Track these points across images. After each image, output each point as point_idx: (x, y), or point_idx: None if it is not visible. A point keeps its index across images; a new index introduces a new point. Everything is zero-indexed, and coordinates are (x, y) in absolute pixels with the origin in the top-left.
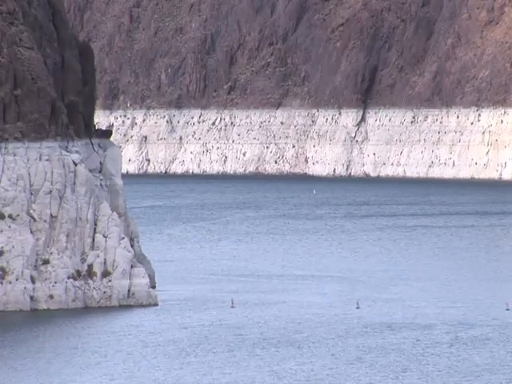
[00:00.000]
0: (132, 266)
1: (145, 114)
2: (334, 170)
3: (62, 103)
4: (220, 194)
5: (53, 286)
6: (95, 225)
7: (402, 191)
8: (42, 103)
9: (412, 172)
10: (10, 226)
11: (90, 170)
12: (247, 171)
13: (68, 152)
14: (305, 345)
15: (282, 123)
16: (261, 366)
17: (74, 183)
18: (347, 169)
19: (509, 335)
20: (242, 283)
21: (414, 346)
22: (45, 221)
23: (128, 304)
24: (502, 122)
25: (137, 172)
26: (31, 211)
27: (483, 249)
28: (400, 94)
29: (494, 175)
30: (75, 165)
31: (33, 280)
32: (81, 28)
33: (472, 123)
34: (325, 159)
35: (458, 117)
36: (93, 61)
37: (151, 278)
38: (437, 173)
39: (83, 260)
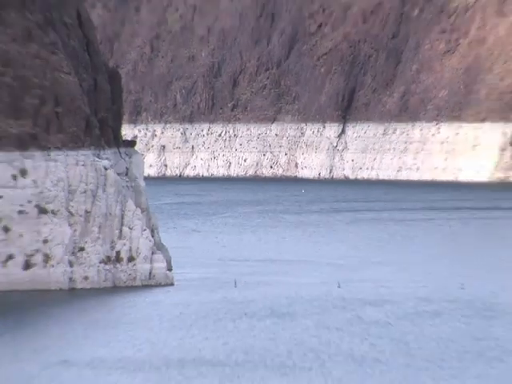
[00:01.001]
0: (152, 253)
1: (163, 128)
2: (319, 174)
3: (95, 118)
4: (225, 194)
5: (87, 269)
6: (122, 219)
7: (376, 191)
8: (78, 119)
9: (384, 175)
10: (52, 220)
11: (118, 174)
12: (247, 174)
13: (100, 159)
14: (295, 317)
15: (276, 135)
16: (259, 334)
17: (105, 184)
18: (330, 172)
19: (462, 309)
20: (243, 267)
21: (385, 318)
22: (80, 215)
23: (149, 284)
24: (457, 134)
25: (156, 175)
26: (69, 207)
27: (441, 237)
28: (373, 111)
29: (451, 178)
30: (105, 169)
31: (71, 264)
32: (110, 56)
33: (433, 135)
34: (311, 164)
35: (421, 130)
36: (120, 83)
37: (168, 262)
38: (404, 176)
39: (112, 248)
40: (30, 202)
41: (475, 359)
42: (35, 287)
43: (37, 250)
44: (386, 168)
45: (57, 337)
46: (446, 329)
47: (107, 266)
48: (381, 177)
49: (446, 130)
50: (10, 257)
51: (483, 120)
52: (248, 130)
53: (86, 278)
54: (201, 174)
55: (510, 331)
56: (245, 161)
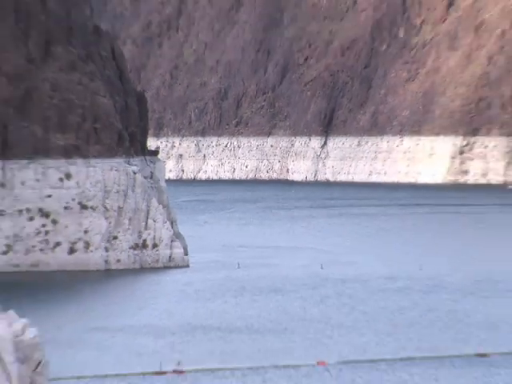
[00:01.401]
0: (172, 241)
1: (180, 140)
2: (306, 177)
3: (126, 133)
4: (230, 193)
5: (119, 253)
6: (147, 213)
7: (351, 191)
8: (112, 133)
9: (358, 178)
10: (91, 214)
11: (144, 177)
12: (248, 178)
13: (129, 165)
14: (286, 292)
15: (271, 146)
16: (256, 305)
17: (134, 185)
18: (315, 176)
19: (420, 286)
20: (244, 252)
21: (358, 293)
22: (114, 210)
23: (169, 266)
24: (417, 145)
25: (175, 178)
26: (105, 204)
27: (404, 228)
28: (350, 126)
29: (412, 180)
30: (134, 173)
31: (106, 250)
32: (138, 82)
33: (397, 146)
34: (300, 170)
35: (388, 142)
36: (146, 105)
37: (185, 248)
38: (374, 179)
39: (139, 236)
40: (73, 199)
41: (428, 326)
42: (77, 268)
43: (79, 239)
44: (359, 172)
45: (94, 308)
46: (405, 301)
47: (135, 251)
48: (355, 180)
49: (408, 142)
50: (58, 244)
51: (437, 134)
52: (248, 142)
53: (118, 260)
54: (211, 178)
55: (458, 303)
56: (246, 167)
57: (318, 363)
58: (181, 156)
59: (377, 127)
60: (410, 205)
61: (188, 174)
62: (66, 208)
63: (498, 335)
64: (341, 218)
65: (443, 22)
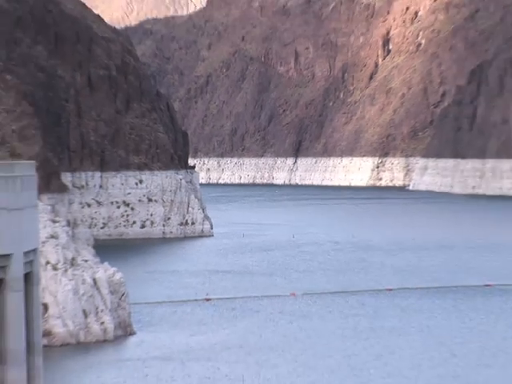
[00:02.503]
0: (203, 220)
1: (208, 160)
2: (284, 182)
3: (176, 155)
4: (238, 192)
5: (172, 228)
6: (188, 204)
7: (312, 191)
8: (167, 155)
9: (315, 183)
10: (154, 205)
11: (186, 182)
12: (249, 182)
13: (177, 174)
14: (271, 251)
15: (263, 163)
16: (253, 259)
17: (180, 187)
18: (289, 181)
19: (350, 247)
20: (246, 227)
21: (314, 251)
22: (168, 202)
23: (201, 235)
24: (351, 162)
25: (205, 182)
26: (163, 198)
27: (345, 212)
28: (310, 152)
29: (347, 183)
30: (180, 180)
31: (163, 226)
32: (182, 125)
33: (339, 163)
34: (280, 177)
35: (333, 161)
36: (187, 138)
37: (211, 225)
38: (325, 183)
39: (183, 217)
40: (144, 195)
41: (356, 270)
42: (145, 237)
43: (147, 219)
44: (316, 179)
45: (156, 259)
46: (344, 255)
47: (181, 227)
48: (314, 183)
49: (345, 160)
50: (134, 222)
51: (363, 156)
52: (249, 161)
53: (171, 232)
54: (227, 183)
55: (375, 257)
56: (248, 175)
57: (290, 294)
58: (208, 169)
59: (326, 152)
60: (347, 198)
61: (212, 181)
62: (139, 200)
63: (402, 277)
64: (305, 207)
65: (366, 88)
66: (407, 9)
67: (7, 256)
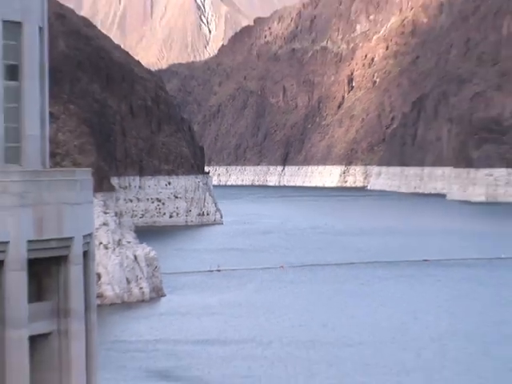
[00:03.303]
0: (215, 212)
1: (218, 167)
2: (275, 184)
3: (195, 164)
4: (241, 191)
5: (192, 217)
6: (204, 199)
7: (295, 191)
8: (189, 164)
9: (298, 184)
10: (179, 200)
11: (203, 184)
12: (249, 184)
13: (196, 178)
14: (267, 233)
15: (260, 170)
16: (254, 240)
17: (198, 187)
18: (279, 183)
19: (324, 230)
20: (248, 216)
21: (297, 233)
22: (189, 198)
23: (214, 223)
24: (324, 169)
25: (216, 184)
26: (185, 195)
27: (317, 206)
28: (295, 161)
29: (320, 184)
30: (198, 182)
31: (186, 216)
32: (200, 142)
33: (316, 169)
34: (272, 181)
35: (311, 168)
36: (203, 151)
37: (221, 215)
38: (305, 184)
39: (201, 210)
40: (171, 193)
41: (325, 246)
42: (173, 225)
43: (174, 211)
44: (299, 182)
45: (180, 239)
46: (318, 236)
47: (199, 217)
48: (297, 185)
49: (320, 168)
50: (164, 213)
51: (333, 164)
52: (249, 168)
53: (191, 221)
54: (233, 184)
55: (337, 236)
56: (248, 179)
57: (280, 267)
58: (219, 174)
59: (306, 161)
60: (321, 196)
61: (222, 183)
62: (168, 198)
63: (360, 254)
64: (290, 202)
65: (336, 114)
66: (366, 56)
67: (70, 238)
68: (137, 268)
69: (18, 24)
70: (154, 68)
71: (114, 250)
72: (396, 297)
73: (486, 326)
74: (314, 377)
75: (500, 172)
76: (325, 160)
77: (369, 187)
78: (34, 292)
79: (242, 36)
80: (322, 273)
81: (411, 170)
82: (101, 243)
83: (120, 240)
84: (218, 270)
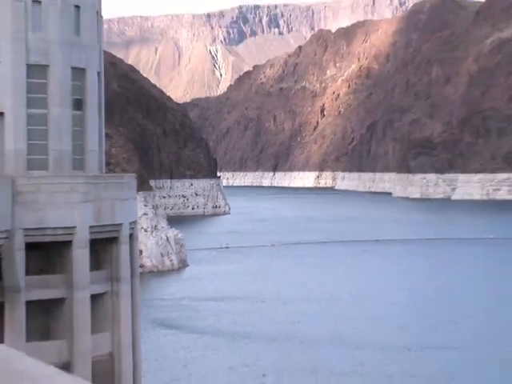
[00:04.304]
0: (225, 204)
1: (226, 173)
2: (268, 185)
3: (210, 170)
4: (244, 190)
5: (208, 209)
6: (217, 196)
7: (283, 190)
8: (205, 170)
9: (285, 185)
10: (198, 197)
11: (216, 185)
12: (249, 185)
13: (211, 181)
14: (267, 221)
15: (256, 175)
16: (257, 226)
17: (212, 188)
18: (271, 184)
19: (312, 220)
20: (249, 208)
21: (285, 222)
22: (206, 196)
23: (224, 213)
24: (304, 174)
25: (226, 185)
26: (203, 193)
27: (299, 202)
28: (283, 168)
29: (302, 185)
30: (212, 184)
31: (204, 208)
32: (214, 154)
33: (298, 175)
34: (266, 183)
35: (294, 174)
36: (216, 161)
37: (229, 207)
38: (291, 185)
39: (214, 203)
40: (193, 192)
41: (300, 231)
42: (193, 214)
43: (194, 205)
44: (285, 184)
45: (199, 224)
46: (305, 225)
47: (213, 209)
48: (283, 186)
49: (301, 174)
50: (188, 206)
51: (310, 171)
52: (249, 173)
53: (208, 211)
54: (237, 185)
55: (321, 224)
56: (249, 181)
57: (271, 245)
58: (227, 178)
59: (291, 168)
60: (301, 194)
61: (229, 184)
62: (191, 195)
63: (329, 235)
64: (279, 199)
65: (312, 135)
66: (334, 92)
67: (120, 224)
68: (168, 246)
69: (83, 70)
70: (180, 101)
71: (152, 232)
72: (354, 266)
73: (418, 283)
74: (297, 324)
75: (431, 176)
76: (304, 167)
77: (336, 187)
78: (94, 263)
79: (244, 78)
80: (304, 249)
81: (366, 175)
82: (142, 228)
83: (156, 225)
84: (227, 247)
